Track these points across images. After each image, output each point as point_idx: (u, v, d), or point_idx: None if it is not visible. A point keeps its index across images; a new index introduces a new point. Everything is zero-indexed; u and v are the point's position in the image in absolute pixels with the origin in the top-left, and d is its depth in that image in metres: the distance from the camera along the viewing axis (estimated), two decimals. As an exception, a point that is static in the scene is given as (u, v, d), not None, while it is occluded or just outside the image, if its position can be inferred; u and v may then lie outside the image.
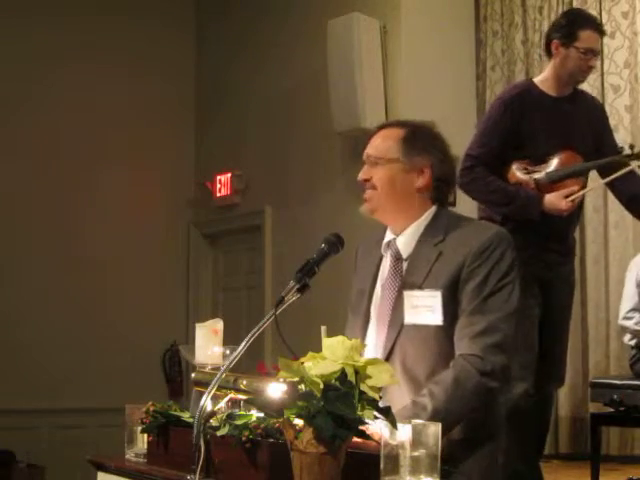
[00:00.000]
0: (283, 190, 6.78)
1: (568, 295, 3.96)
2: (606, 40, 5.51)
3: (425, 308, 2.30)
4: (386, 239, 2.47)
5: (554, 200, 3.69)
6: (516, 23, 6.03)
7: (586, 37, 3.77)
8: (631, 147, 3.82)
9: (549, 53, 3.88)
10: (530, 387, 3.66)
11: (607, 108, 5.44)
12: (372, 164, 2.45)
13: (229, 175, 7.26)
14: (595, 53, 3.83)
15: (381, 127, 2.53)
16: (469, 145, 3.84)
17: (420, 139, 2.44)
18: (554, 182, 3.74)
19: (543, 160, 3.79)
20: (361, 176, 2.46)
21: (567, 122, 3.83)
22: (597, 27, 3.85)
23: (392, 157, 2.41)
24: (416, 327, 2.32)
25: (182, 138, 7.70)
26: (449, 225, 2.39)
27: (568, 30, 3.78)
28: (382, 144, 2.45)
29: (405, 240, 2.42)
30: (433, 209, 2.43)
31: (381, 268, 2.47)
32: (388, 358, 2.34)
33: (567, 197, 3.70)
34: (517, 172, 3.79)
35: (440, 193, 2.45)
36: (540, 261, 3.75)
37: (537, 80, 3.92)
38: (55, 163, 7.05)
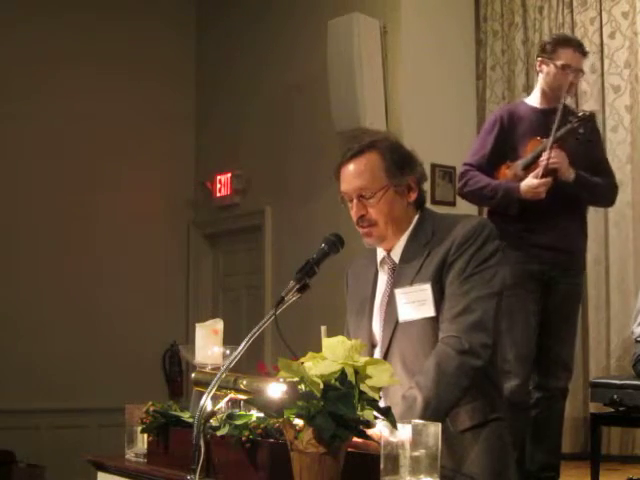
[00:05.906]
0: (283, 190, 6.77)
1: (572, 296, 4.09)
2: (606, 40, 5.53)
3: (417, 303, 2.33)
4: (379, 256, 2.51)
5: (527, 183, 3.92)
6: (516, 23, 6.03)
7: (565, 55, 4.02)
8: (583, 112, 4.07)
9: (536, 71, 4.20)
10: (523, 382, 3.85)
11: (607, 108, 5.46)
12: (362, 198, 2.42)
13: (229, 175, 7.27)
14: (574, 70, 4.04)
15: (348, 159, 2.44)
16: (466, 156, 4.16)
17: (397, 155, 2.44)
18: (527, 168, 3.97)
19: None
20: (356, 213, 2.43)
21: (547, 127, 4.01)
22: (578, 47, 4.09)
23: (383, 185, 2.40)
24: (411, 323, 2.34)
25: (182, 138, 7.70)
26: (435, 224, 2.44)
27: (550, 48, 4.07)
28: (366, 175, 2.40)
29: (399, 251, 2.45)
30: (417, 214, 2.48)
31: (378, 283, 2.50)
32: (386, 357, 2.35)
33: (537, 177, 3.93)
34: (503, 172, 4.06)
35: (422, 197, 2.50)
36: (541, 260, 3.94)
37: (527, 98, 4.28)
38: (55, 163, 7.04)
